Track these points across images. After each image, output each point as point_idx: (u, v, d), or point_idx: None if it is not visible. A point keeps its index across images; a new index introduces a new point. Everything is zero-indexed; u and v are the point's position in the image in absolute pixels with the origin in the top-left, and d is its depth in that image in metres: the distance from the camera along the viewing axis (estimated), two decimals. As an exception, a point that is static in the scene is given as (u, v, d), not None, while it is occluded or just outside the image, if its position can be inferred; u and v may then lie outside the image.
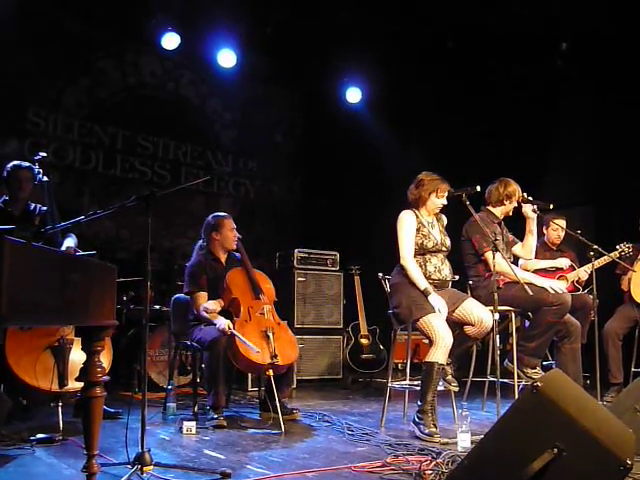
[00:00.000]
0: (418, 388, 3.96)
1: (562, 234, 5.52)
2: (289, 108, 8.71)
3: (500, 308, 4.00)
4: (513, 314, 4.33)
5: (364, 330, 6.67)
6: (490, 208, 4.61)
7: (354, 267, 6.81)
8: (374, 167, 7.97)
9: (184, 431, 3.90)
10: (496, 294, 3.93)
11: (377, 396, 5.57)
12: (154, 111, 7.54)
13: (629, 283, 5.37)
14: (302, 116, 8.75)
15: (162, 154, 7.57)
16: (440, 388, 3.95)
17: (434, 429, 3.71)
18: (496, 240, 4.14)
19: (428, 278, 4.04)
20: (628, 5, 5.91)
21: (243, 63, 7.29)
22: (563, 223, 5.44)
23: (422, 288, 3.95)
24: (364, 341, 6.65)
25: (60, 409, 3.77)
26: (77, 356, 3.51)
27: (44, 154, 4.19)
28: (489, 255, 4.23)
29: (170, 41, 6.79)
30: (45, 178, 4.07)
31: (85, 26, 6.79)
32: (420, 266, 4.06)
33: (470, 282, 4.53)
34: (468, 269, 4.54)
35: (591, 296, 4.80)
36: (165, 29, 6.70)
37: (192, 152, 7.84)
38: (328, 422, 4.34)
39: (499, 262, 4.08)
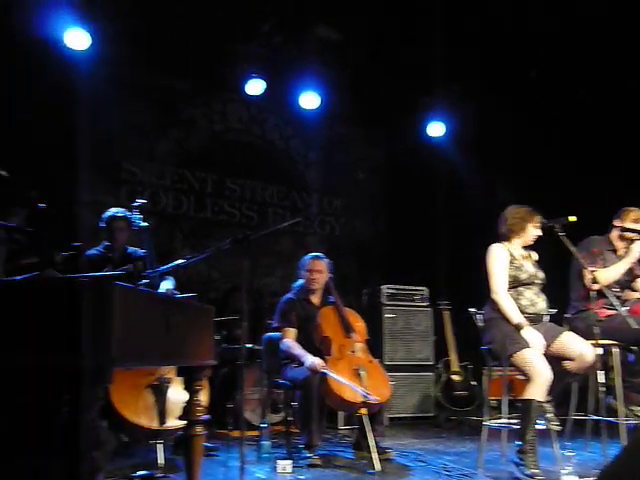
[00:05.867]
0: (515, 427, 3.84)
1: None
2: (371, 145, 8.78)
3: (601, 342, 3.84)
4: (615, 348, 4.13)
5: (455, 366, 6.54)
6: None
7: (443, 302, 6.72)
8: (459, 200, 7.88)
9: (279, 470, 3.91)
10: (596, 327, 3.79)
11: (471, 435, 5.44)
12: (240, 155, 7.78)
13: None
14: (384, 152, 8.80)
15: (249, 196, 7.78)
16: (541, 427, 3.81)
17: (536, 470, 3.56)
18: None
19: (522, 312, 3.92)
20: None
21: (325, 104, 7.42)
22: None
23: (515, 322, 3.85)
24: (456, 378, 6.51)
25: (160, 446, 3.87)
26: (175, 395, 3.60)
27: (144, 201, 4.40)
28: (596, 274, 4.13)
29: (255, 87, 7.01)
30: (144, 223, 4.26)
31: (173, 80, 7.13)
32: (513, 300, 3.96)
33: (568, 315, 4.39)
34: (572, 297, 4.42)
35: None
36: (249, 76, 6.93)
37: (278, 193, 8.02)
38: (423, 462, 4.27)
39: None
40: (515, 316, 3.87)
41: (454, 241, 7.75)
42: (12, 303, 1.90)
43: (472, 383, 6.51)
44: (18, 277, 2.13)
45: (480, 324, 4.18)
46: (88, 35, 5.84)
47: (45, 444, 1.83)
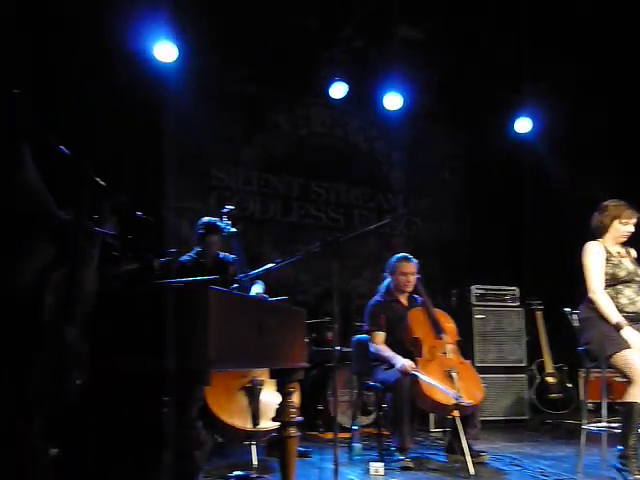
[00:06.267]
0: (616, 431, 3.68)
1: None
2: (455, 143, 8.65)
3: None
4: None
5: (550, 368, 6.34)
6: None
7: (535, 302, 6.54)
8: (548, 198, 7.66)
9: (371, 472, 3.91)
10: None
11: (568, 438, 5.27)
12: (325, 158, 7.83)
13: None
14: (469, 151, 8.65)
15: (334, 199, 7.83)
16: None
17: (640, 476, 3.43)
18: None
19: (621, 311, 3.77)
20: None
21: (409, 104, 7.38)
22: None
23: (614, 322, 3.70)
24: (550, 380, 6.32)
25: (253, 447, 3.95)
26: (267, 397, 3.67)
27: (232, 207, 4.50)
28: None
29: (338, 90, 7.05)
30: (234, 229, 4.36)
31: (259, 87, 7.26)
32: (611, 298, 3.81)
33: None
34: None
35: None
36: (333, 79, 6.98)
37: (363, 195, 8.02)
38: (519, 466, 4.16)
39: None
40: (614, 315, 3.72)
41: (544, 239, 7.53)
42: (115, 309, 1.99)
43: (568, 385, 6.30)
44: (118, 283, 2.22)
45: (576, 324, 4.05)
46: (175, 48, 6.05)
47: (149, 444, 1.91)
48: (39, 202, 1.73)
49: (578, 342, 3.98)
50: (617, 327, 3.68)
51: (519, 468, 4.11)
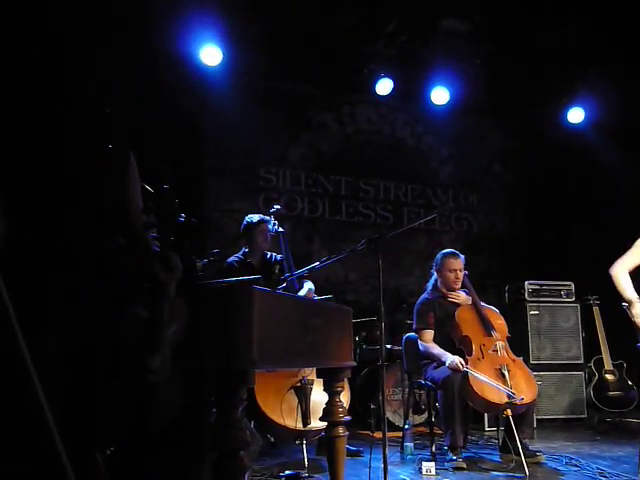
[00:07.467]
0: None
1: None
2: (505, 137, 8.49)
3: None
4: None
5: (608, 365, 6.15)
6: None
7: (592, 297, 6.35)
8: (604, 189, 7.43)
9: (423, 472, 3.87)
10: None
11: (630, 438, 5.09)
12: (372, 156, 7.78)
13: None
14: (519, 143, 8.48)
15: (383, 196, 7.77)
16: None
17: None
18: None
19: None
20: None
21: (456, 97, 7.27)
22: None
23: (627, 297, 3.66)
24: (610, 377, 6.12)
25: (304, 447, 3.95)
26: (318, 396, 3.65)
27: (279, 207, 4.52)
28: None
29: (383, 87, 7.00)
30: (281, 229, 4.37)
31: (304, 86, 7.27)
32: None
33: None
34: None
35: None
36: (379, 76, 6.93)
37: (412, 191, 7.94)
38: (576, 466, 4.04)
39: None
40: (629, 291, 3.75)
41: (599, 233, 7.32)
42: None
43: (628, 383, 6.10)
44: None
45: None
46: (220, 51, 6.11)
47: (193, 445, 1.92)
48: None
49: (637, 338, 3.86)
50: (629, 302, 3.69)
51: (577, 468, 3.99)
